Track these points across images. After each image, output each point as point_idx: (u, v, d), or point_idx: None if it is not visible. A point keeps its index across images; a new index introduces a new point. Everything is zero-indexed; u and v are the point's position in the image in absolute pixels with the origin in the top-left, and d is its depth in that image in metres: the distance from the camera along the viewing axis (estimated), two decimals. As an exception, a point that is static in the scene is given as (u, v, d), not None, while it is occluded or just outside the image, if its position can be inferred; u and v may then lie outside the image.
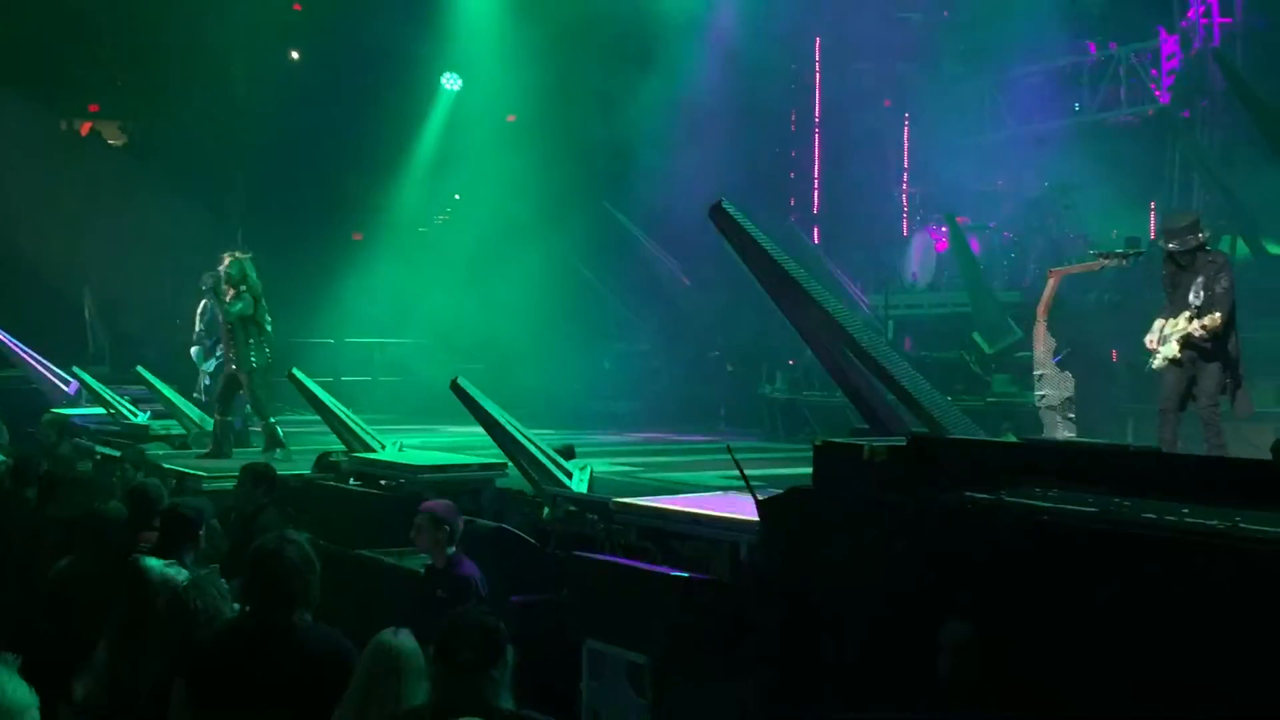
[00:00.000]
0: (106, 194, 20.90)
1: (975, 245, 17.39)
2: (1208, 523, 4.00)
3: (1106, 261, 10.55)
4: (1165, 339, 9.05)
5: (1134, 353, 9.38)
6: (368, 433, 10.88)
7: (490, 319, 20.12)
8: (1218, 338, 8.80)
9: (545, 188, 20.61)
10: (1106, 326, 13.68)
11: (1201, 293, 8.91)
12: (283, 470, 9.81)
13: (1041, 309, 10.27)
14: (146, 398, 15.54)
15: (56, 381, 18.17)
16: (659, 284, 21.16)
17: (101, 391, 15.95)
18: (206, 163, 22.42)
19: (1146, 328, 9.32)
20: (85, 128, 24.76)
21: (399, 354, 21.80)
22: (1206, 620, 3.80)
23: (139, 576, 5.60)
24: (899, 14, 20.55)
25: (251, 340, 12.55)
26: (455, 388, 8.93)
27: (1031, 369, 10.50)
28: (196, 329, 15.06)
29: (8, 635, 4.96)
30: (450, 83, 23.86)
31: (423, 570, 7.15)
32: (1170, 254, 9.18)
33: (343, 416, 11.09)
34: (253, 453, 12.19)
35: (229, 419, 12.77)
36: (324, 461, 10.84)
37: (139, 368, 15.64)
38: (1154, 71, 17.24)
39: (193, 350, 14.86)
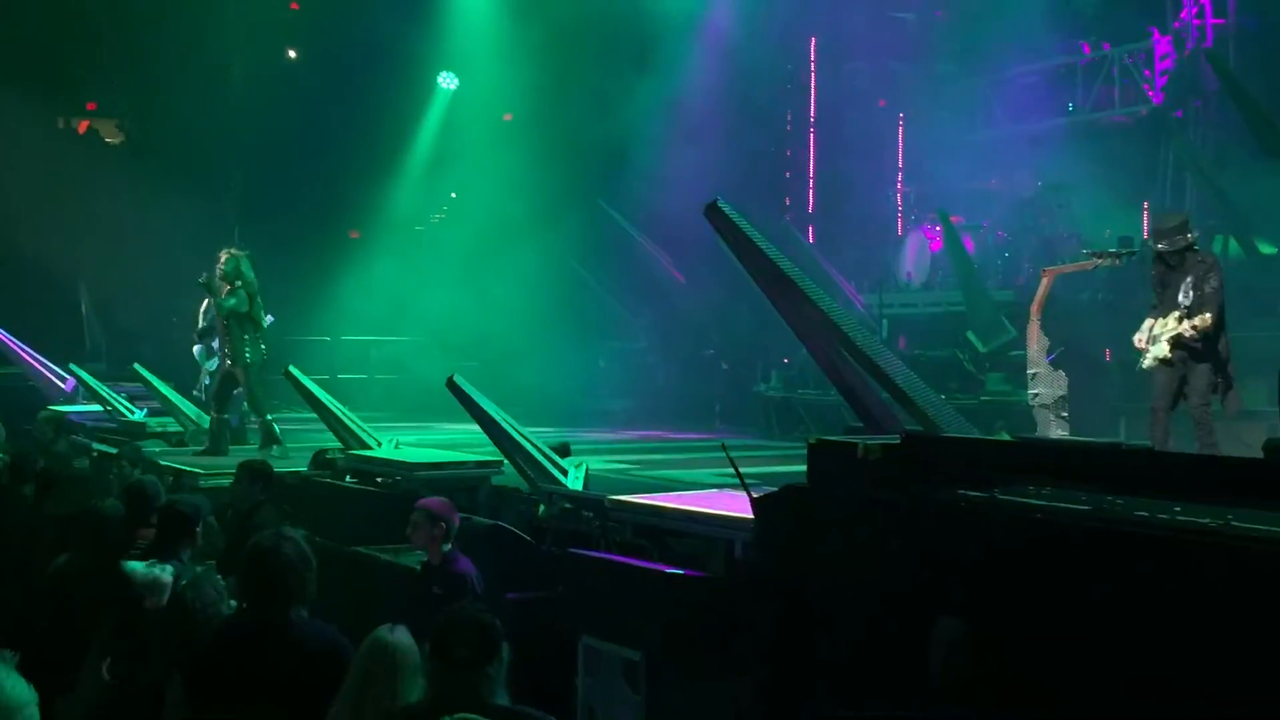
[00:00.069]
0: (104, 192, 20.86)
1: (969, 244, 17.41)
2: (1200, 521, 4.01)
3: (1100, 261, 10.54)
4: (1155, 339, 9.05)
5: (1127, 352, 9.39)
6: (364, 430, 10.88)
7: (486, 317, 20.12)
8: (1208, 338, 8.80)
9: (541, 186, 20.60)
10: (1100, 325, 13.70)
11: (1191, 292, 8.92)
12: (279, 467, 9.80)
13: (1035, 308, 10.26)
14: (143, 395, 15.53)
15: (53, 379, 18.15)
16: (654, 282, 21.16)
17: (98, 389, 15.93)
18: (204, 161, 22.38)
19: (1139, 327, 9.33)
20: (83, 126, 24.72)
21: (395, 352, 21.78)
22: (1199, 618, 3.80)
23: (124, 582, 5.61)
24: (893, 14, 20.57)
25: (247, 336, 12.55)
26: (451, 385, 8.93)
27: (1025, 367, 10.49)
28: (199, 326, 15.04)
29: (5, 632, 4.95)
30: (447, 82, 23.84)
31: (419, 567, 7.14)
32: (1159, 254, 9.18)
33: (339, 414, 11.08)
34: (249, 450, 12.18)
35: (226, 416, 12.76)
36: (320, 459, 10.83)
37: (136, 365, 15.63)
38: (1147, 72, 17.27)
39: (195, 348, 14.85)
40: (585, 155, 20.73)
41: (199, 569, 5.77)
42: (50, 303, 21.36)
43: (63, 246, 20.44)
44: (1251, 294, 14.05)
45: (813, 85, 22.43)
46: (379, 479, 9.84)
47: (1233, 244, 15.52)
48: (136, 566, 5.69)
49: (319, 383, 12.11)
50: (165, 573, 5.68)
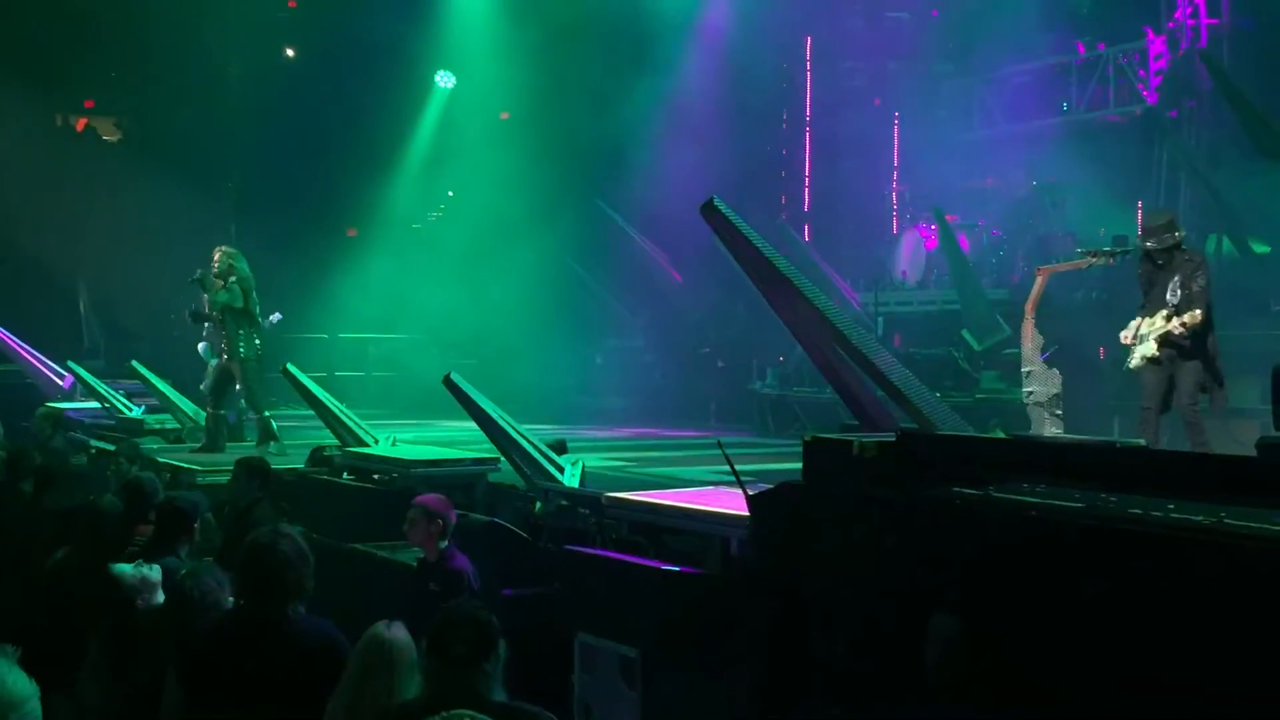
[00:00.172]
0: (102, 189, 20.86)
1: (964, 243, 17.42)
2: (1193, 518, 4.01)
3: (1094, 260, 10.54)
4: (1142, 338, 9.05)
5: (1121, 350, 9.39)
6: (361, 427, 10.88)
7: (483, 315, 20.13)
8: (1197, 335, 8.80)
9: (538, 185, 20.62)
10: (1094, 324, 13.70)
11: (1179, 291, 8.91)
12: (277, 464, 9.79)
13: (1030, 306, 10.27)
14: (141, 392, 15.52)
15: (51, 376, 18.14)
16: (651, 280, 21.16)
17: (96, 386, 15.92)
18: (202, 159, 22.38)
19: (1126, 325, 9.33)
20: (81, 123, 24.70)
21: (392, 349, 21.79)
22: (1192, 614, 3.81)
23: (115, 584, 5.61)
24: (889, 13, 20.57)
25: (242, 331, 12.54)
26: (448, 383, 8.93)
27: (1019, 366, 10.51)
28: (191, 308, 15.01)
29: (4, 628, 4.95)
30: (444, 80, 23.84)
31: (415, 564, 7.14)
32: (1147, 252, 9.19)
33: (336, 411, 11.08)
34: (247, 446, 12.18)
35: (222, 413, 12.74)
36: (318, 456, 10.83)
37: (133, 362, 15.62)
38: (1141, 72, 17.28)
39: (200, 346, 14.82)
40: (582, 154, 20.73)
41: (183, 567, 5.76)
42: (48, 300, 21.35)
43: (61, 244, 20.44)
44: (1245, 293, 14.08)
45: (808, 84, 22.42)
46: (376, 476, 9.84)
47: (1226, 243, 15.54)
48: (125, 568, 5.68)
49: (316, 380, 12.11)
50: (153, 572, 5.68)
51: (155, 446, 12.83)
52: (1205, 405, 8.98)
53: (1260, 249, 15.20)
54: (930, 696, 4.35)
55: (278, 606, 4.60)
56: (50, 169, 20.96)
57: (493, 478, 9.29)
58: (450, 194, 24.46)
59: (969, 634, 4.28)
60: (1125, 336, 9.22)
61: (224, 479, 9.30)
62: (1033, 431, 9.67)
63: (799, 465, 5.68)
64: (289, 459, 11.26)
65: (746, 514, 5.90)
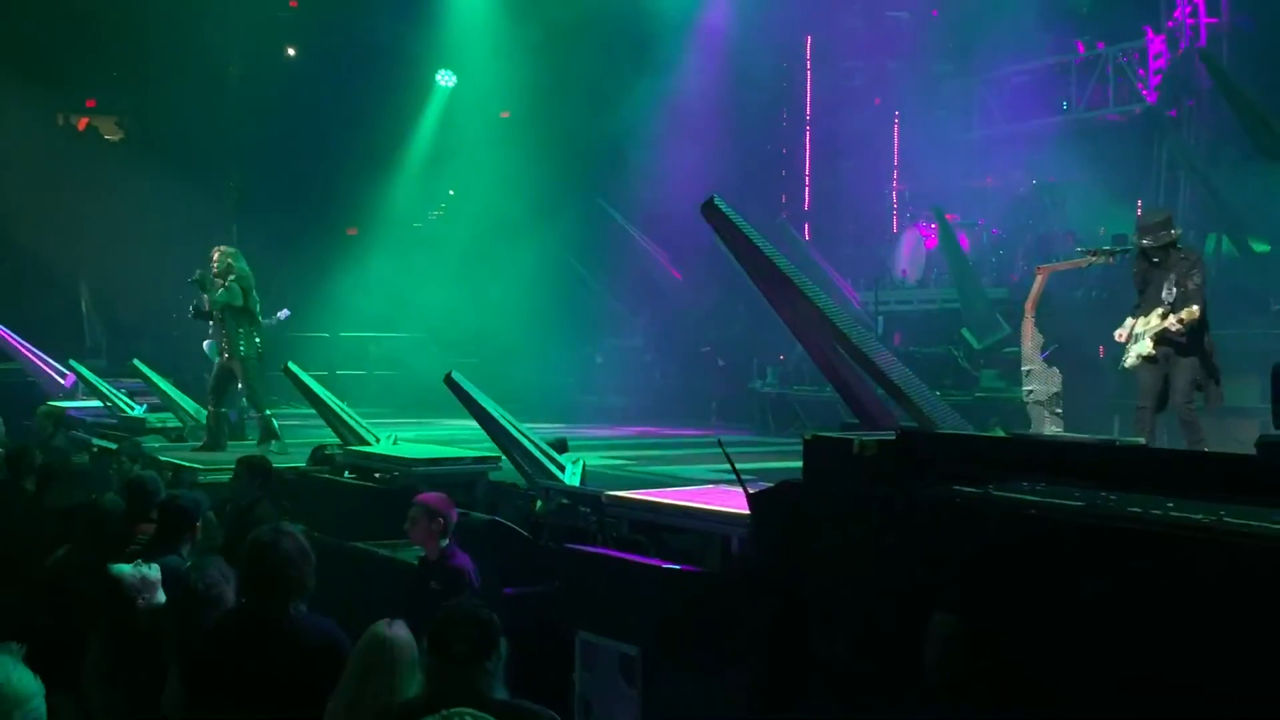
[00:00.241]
0: (103, 189, 20.86)
1: (964, 242, 17.42)
2: (1193, 517, 4.00)
3: (1094, 259, 10.54)
4: (1137, 337, 9.05)
5: (1120, 349, 9.39)
6: (362, 426, 10.88)
7: (484, 314, 20.13)
8: (1194, 331, 8.79)
9: (539, 184, 20.62)
10: (1094, 323, 13.67)
11: (1174, 289, 8.91)
12: (278, 463, 9.79)
13: (1029, 305, 10.27)
14: (143, 391, 15.53)
15: (53, 375, 18.15)
16: (651, 279, 21.17)
17: (98, 384, 15.93)
18: (203, 158, 22.38)
19: (1121, 324, 9.33)
20: (82, 123, 24.70)
21: (393, 348, 21.78)
22: (1192, 613, 3.80)
23: (114, 584, 5.61)
24: (889, 13, 20.57)
25: (241, 329, 12.54)
26: (449, 382, 8.92)
27: (1019, 364, 10.50)
28: (193, 303, 15.03)
29: (6, 627, 4.95)
30: (445, 79, 23.84)
31: (416, 562, 7.14)
32: (1143, 250, 9.18)
33: (338, 410, 11.08)
34: (248, 445, 12.18)
35: (224, 411, 12.74)
36: (319, 454, 10.83)
37: (135, 361, 15.63)
38: (1141, 71, 17.28)
39: (205, 344, 14.84)
40: (582, 153, 20.74)
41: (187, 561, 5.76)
42: (50, 299, 21.38)
43: (63, 243, 20.45)
44: (1245, 292, 14.07)
45: (809, 84, 22.42)
46: (377, 475, 9.84)
47: (1226, 242, 15.53)
48: (124, 568, 5.69)
49: (318, 379, 12.11)
50: (153, 571, 5.68)
51: (157, 445, 12.84)
52: (1201, 403, 8.97)
53: (1260, 248, 15.19)
54: (930, 695, 4.35)
55: (279, 605, 4.60)
56: (52, 168, 20.97)
57: (494, 476, 9.30)
58: (451, 193, 24.46)
59: (969, 633, 4.28)
60: (1120, 335, 9.21)
61: (226, 477, 9.30)
62: (1032, 430, 9.67)
63: (799, 464, 5.68)
64: (290, 457, 11.27)
65: (747, 512, 5.90)
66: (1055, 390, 9.84)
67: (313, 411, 11.70)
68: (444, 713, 3.07)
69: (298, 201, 22.61)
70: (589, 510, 7.75)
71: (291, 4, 23.41)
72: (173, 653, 4.92)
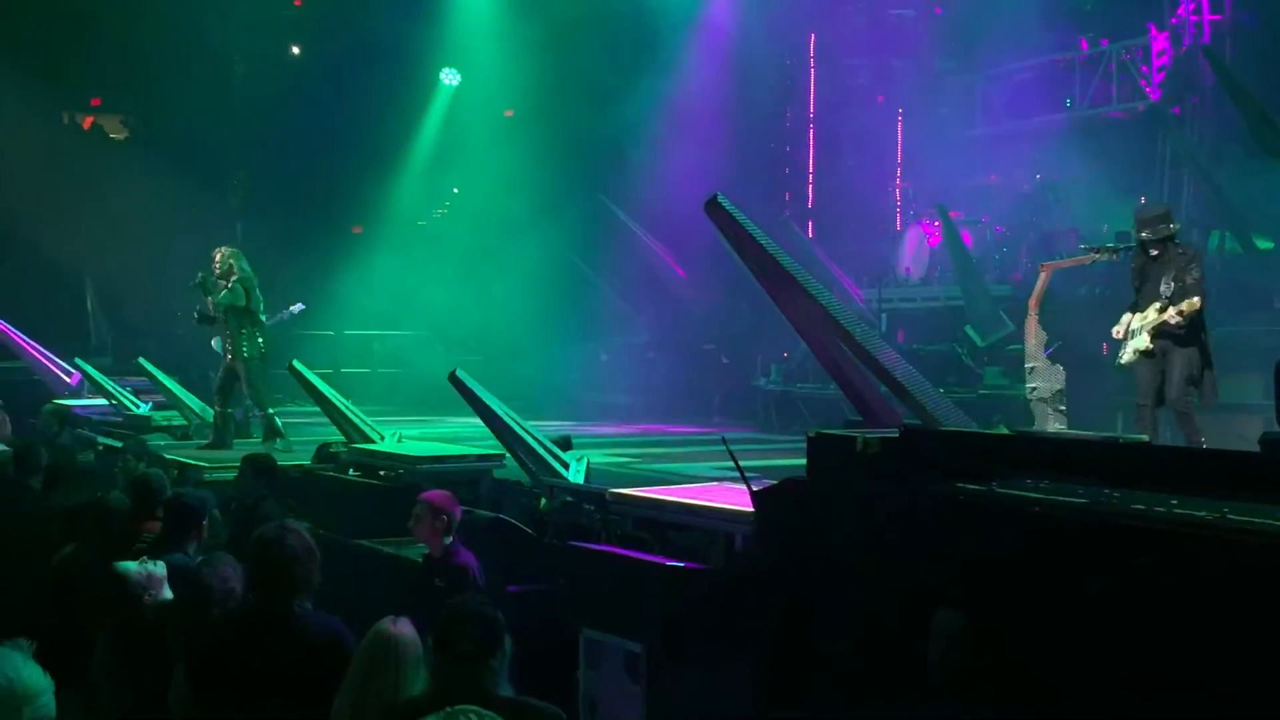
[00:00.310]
0: (108, 187, 20.87)
1: (968, 239, 17.41)
2: (1197, 514, 4.00)
3: (1097, 256, 10.55)
4: (1134, 333, 9.03)
5: (1119, 346, 9.38)
6: (367, 424, 10.88)
7: (488, 311, 20.15)
8: (1193, 324, 8.77)
9: (543, 182, 20.63)
10: (1097, 320, 13.61)
11: (1172, 283, 8.90)
12: (283, 461, 9.81)
13: (1033, 302, 10.28)
14: (148, 389, 15.55)
15: (59, 373, 18.18)
16: (655, 277, 21.16)
17: (103, 383, 15.95)
18: (208, 156, 22.40)
19: (1118, 321, 9.32)
20: (87, 121, 24.73)
21: (398, 346, 21.79)
22: (1195, 610, 3.80)
23: (120, 581, 5.61)
24: (892, 11, 20.55)
25: (244, 330, 12.55)
26: (454, 380, 8.92)
27: (1023, 362, 10.51)
28: (197, 308, 15.05)
29: (13, 624, 4.96)
30: (449, 78, 23.84)
31: (420, 560, 7.15)
32: (1142, 242, 9.17)
33: (342, 408, 11.08)
34: (254, 443, 12.18)
35: (229, 410, 12.75)
36: (324, 452, 10.84)
37: (140, 359, 15.64)
38: (1144, 68, 17.24)
39: (214, 341, 14.89)
40: (586, 151, 20.74)
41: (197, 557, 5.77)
42: (56, 297, 21.42)
43: (68, 241, 20.46)
44: (1248, 289, 14.06)
45: (812, 82, 22.41)
46: (382, 472, 9.85)
47: (1229, 239, 15.51)
48: (129, 565, 5.69)
49: (322, 377, 12.11)
50: (158, 568, 5.69)
51: (162, 443, 12.85)
52: (1196, 399, 8.95)
53: (1263, 245, 15.16)
54: (933, 693, 4.35)
55: (285, 602, 4.60)
56: (57, 166, 20.98)
57: (498, 474, 9.30)
58: (455, 191, 24.47)
59: (972, 630, 4.28)
60: (1117, 331, 9.21)
61: (231, 475, 9.32)
62: (1036, 427, 9.68)
63: (803, 461, 5.68)
64: (296, 455, 11.28)
65: (751, 510, 5.90)
66: (1059, 387, 9.85)
67: (317, 409, 11.71)
68: (448, 710, 3.07)
69: (302, 200, 22.63)
70: (593, 508, 7.75)
71: (296, 3, 23.43)
72: (179, 650, 4.92)
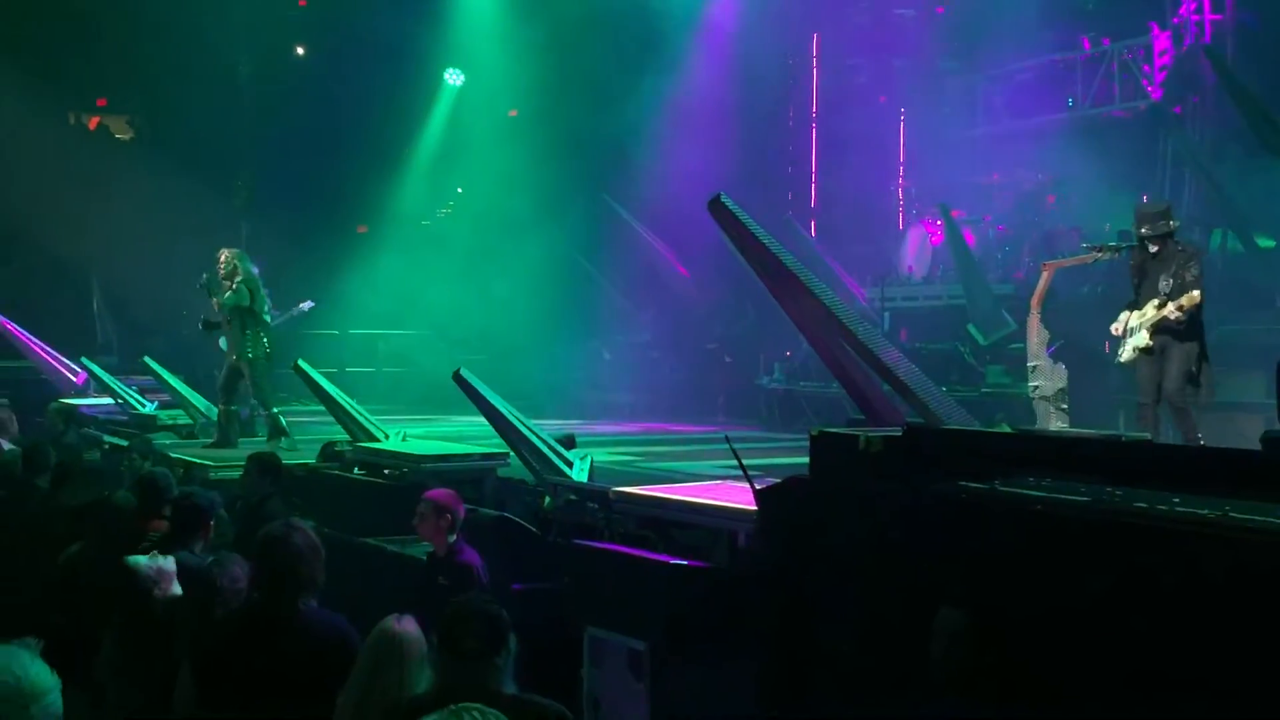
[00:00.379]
0: (114, 187, 20.88)
1: (970, 238, 17.40)
2: (1198, 512, 4.00)
3: (1099, 255, 10.54)
4: (1133, 331, 9.02)
5: (1119, 343, 9.37)
6: (372, 423, 10.88)
7: (491, 310, 20.15)
8: (1192, 319, 8.76)
9: (546, 181, 20.62)
10: (1099, 318, 13.60)
11: (1171, 280, 8.89)
12: (288, 460, 9.82)
13: (1035, 301, 10.27)
14: (154, 388, 15.56)
15: (65, 372, 18.20)
16: (658, 276, 21.16)
17: (109, 382, 15.97)
18: (213, 156, 22.40)
19: (1116, 318, 9.31)
20: (93, 122, 24.75)
21: (402, 345, 21.80)
22: (1197, 609, 3.80)
23: (130, 575, 5.62)
24: (894, 11, 20.54)
25: (248, 331, 12.55)
26: (458, 378, 8.92)
27: (1025, 360, 10.50)
28: (202, 318, 15.06)
29: (20, 623, 4.97)
30: (453, 78, 23.84)
31: (425, 558, 7.15)
32: (1142, 238, 9.18)
33: (347, 407, 11.08)
34: (259, 441, 12.19)
35: (234, 408, 12.76)
36: (329, 451, 10.84)
37: (146, 358, 15.65)
38: (1146, 67, 17.23)
39: (221, 340, 14.91)
40: (589, 151, 20.73)
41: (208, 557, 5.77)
42: (62, 296, 21.44)
43: (74, 241, 20.48)
44: (1249, 288, 14.04)
45: (814, 81, 22.41)
46: (387, 471, 9.85)
47: (1231, 238, 15.49)
48: (139, 560, 5.70)
49: (327, 376, 12.11)
50: (168, 563, 5.70)
51: (168, 442, 12.86)
52: (1192, 398, 8.94)
53: (1265, 243, 15.15)
54: (936, 691, 4.35)
55: (290, 600, 4.61)
56: (64, 167, 20.99)
57: (502, 472, 9.30)
58: (459, 191, 24.47)
59: (974, 628, 4.28)
60: (1116, 328, 9.20)
61: (236, 474, 9.32)
62: (1038, 425, 9.67)
63: (806, 460, 5.68)
64: (301, 454, 11.28)
65: (754, 508, 5.90)
66: (1061, 385, 9.85)
67: (323, 408, 11.71)
68: (452, 708, 3.07)
69: (307, 199, 22.64)
70: (597, 506, 7.75)
71: (301, 3, 23.43)
72: (186, 647, 4.92)
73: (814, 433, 5.71)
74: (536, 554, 7.52)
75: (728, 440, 6.47)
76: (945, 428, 6.11)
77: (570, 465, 8.60)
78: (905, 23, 20.39)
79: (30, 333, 18.84)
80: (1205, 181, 15.93)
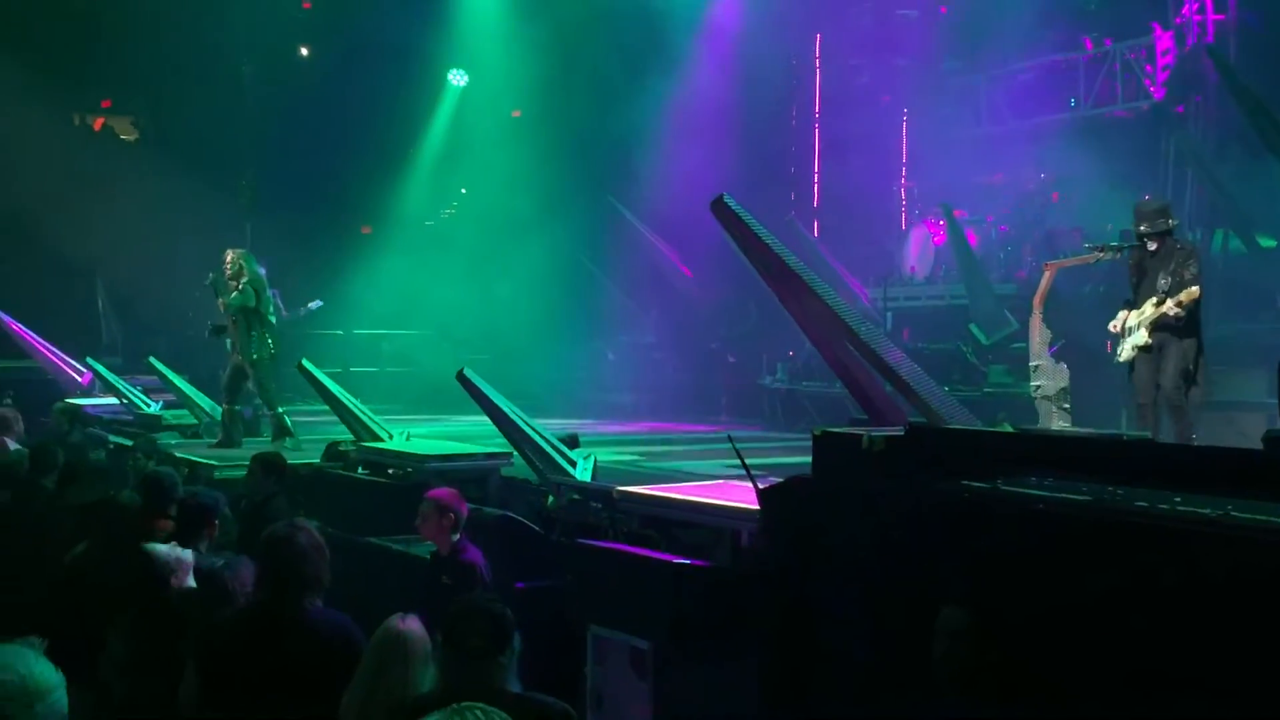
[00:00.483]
0: (119, 187, 20.90)
1: (972, 238, 17.39)
2: (1200, 511, 4.00)
3: (1101, 255, 10.52)
4: (1131, 330, 9.02)
5: (1119, 341, 9.37)
6: (376, 422, 10.89)
7: (495, 311, 20.15)
8: (1191, 315, 8.76)
9: (550, 182, 20.63)
10: (1100, 318, 13.58)
11: (1169, 278, 8.90)
12: (292, 459, 9.81)
13: (1037, 301, 10.26)
14: (159, 388, 15.58)
15: (70, 372, 18.22)
16: (662, 276, 21.16)
17: (114, 382, 15.99)
18: (218, 157, 22.40)
19: (1115, 316, 9.30)
20: (98, 123, 24.77)
21: (406, 345, 21.80)
22: (1198, 607, 3.80)
23: (149, 561, 5.62)
24: (897, 11, 20.53)
25: (254, 332, 12.56)
26: (462, 378, 8.93)
27: (1027, 360, 10.49)
28: (210, 325, 15.08)
29: (25, 622, 4.98)
30: (457, 79, 23.85)
31: (429, 557, 7.16)
32: (1140, 236, 9.18)
33: (351, 407, 11.09)
34: (263, 441, 12.20)
35: (238, 408, 12.78)
36: (333, 451, 10.85)
37: (151, 358, 15.67)
38: (1149, 67, 17.21)
39: (228, 341, 14.93)
40: (593, 152, 20.74)
41: (219, 560, 5.77)
42: (67, 297, 21.46)
43: (79, 241, 20.50)
44: (1251, 288, 14.03)
45: (817, 82, 22.40)
46: (390, 470, 9.86)
47: (1233, 238, 15.48)
48: (159, 547, 5.72)
49: (331, 376, 12.12)
50: (186, 554, 5.71)
51: (173, 441, 12.87)
52: (1183, 398, 8.92)
53: (1267, 243, 15.14)
54: (937, 689, 4.35)
55: (295, 599, 4.61)
56: (69, 167, 21.02)
57: (505, 472, 9.30)
58: (463, 191, 24.47)
59: (976, 626, 4.28)
60: (1114, 326, 9.20)
61: (240, 474, 9.32)
62: (1040, 425, 9.67)
63: (808, 459, 5.68)
64: (305, 454, 11.28)
65: (757, 507, 5.90)
66: (1063, 385, 9.83)
67: (327, 408, 11.72)
68: (455, 706, 3.08)
69: (311, 200, 22.65)
70: (600, 505, 7.76)
71: (305, 5, 23.44)
72: (192, 645, 4.93)
73: (817, 432, 5.72)
74: (540, 553, 7.53)
75: (730, 440, 6.48)
76: (948, 427, 6.11)
77: (574, 465, 8.61)
78: (908, 23, 20.38)
79: (36, 333, 18.87)
80: (1207, 181, 15.91)
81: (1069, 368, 9.96)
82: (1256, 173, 15.21)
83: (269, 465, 8.55)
